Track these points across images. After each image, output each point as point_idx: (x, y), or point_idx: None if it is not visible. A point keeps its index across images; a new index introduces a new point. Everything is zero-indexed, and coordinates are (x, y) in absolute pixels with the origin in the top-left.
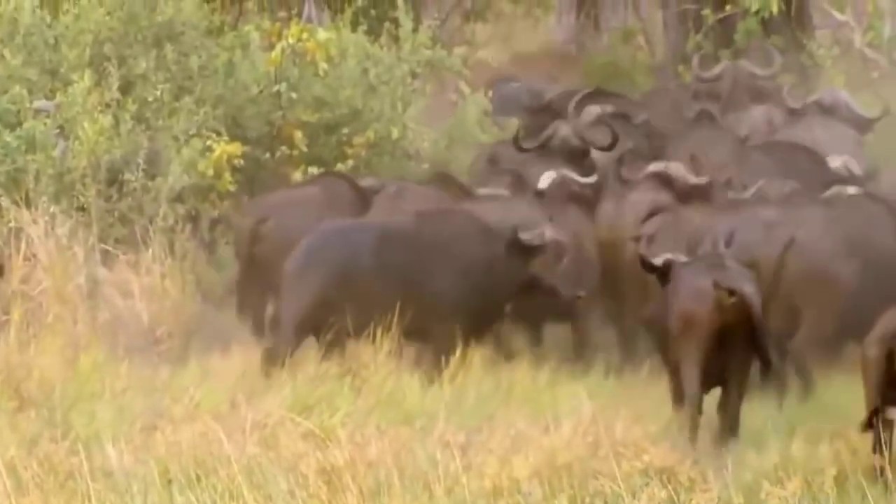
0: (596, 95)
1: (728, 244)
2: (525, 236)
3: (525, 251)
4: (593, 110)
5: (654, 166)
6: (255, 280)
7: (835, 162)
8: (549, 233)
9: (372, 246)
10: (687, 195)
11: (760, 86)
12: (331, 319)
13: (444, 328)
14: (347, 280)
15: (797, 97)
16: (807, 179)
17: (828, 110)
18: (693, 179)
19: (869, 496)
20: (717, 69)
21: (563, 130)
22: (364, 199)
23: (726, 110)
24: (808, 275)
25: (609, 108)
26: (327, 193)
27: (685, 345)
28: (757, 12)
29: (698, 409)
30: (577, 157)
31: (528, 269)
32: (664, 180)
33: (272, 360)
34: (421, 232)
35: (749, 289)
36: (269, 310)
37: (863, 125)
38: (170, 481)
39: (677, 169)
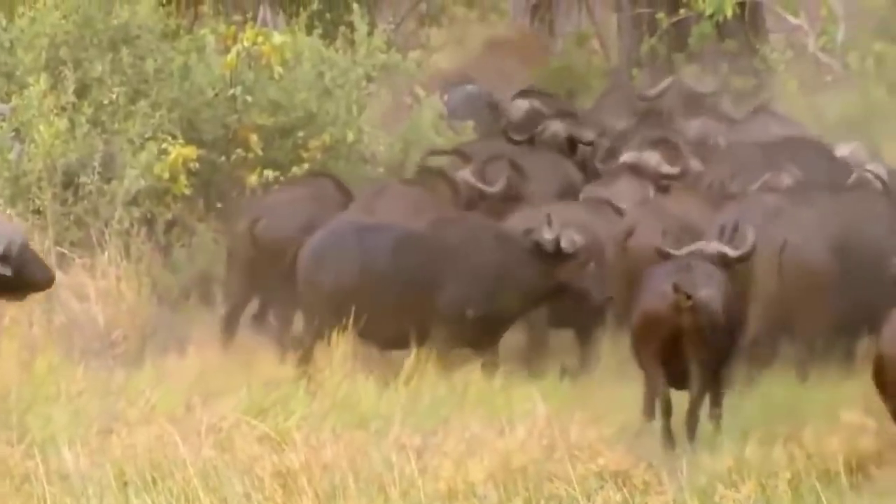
0: (528, 93)
1: (732, 235)
2: (563, 244)
3: (556, 257)
4: (522, 105)
5: (628, 156)
6: (244, 280)
7: (843, 150)
8: (578, 238)
9: (388, 248)
10: (664, 185)
11: (703, 101)
12: (345, 317)
13: (453, 332)
14: (362, 279)
15: (741, 108)
16: (816, 174)
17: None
18: (667, 169)
19: (823, 499)
20: (661, 86)
21: (553, 126)
22: (351, 199)
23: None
24: (799, 271)
25: (536, 104)
26: (317, 193)
27: (645, 345)
28: (711, 16)
29: (665, 411)
30: (566, 150)
31: (556, 274)
32: (639, 171)
33: (296, 346)
34: (436, 237)
35: (707, 293)
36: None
37: None
38: (125, 484)
39: (650, 158)
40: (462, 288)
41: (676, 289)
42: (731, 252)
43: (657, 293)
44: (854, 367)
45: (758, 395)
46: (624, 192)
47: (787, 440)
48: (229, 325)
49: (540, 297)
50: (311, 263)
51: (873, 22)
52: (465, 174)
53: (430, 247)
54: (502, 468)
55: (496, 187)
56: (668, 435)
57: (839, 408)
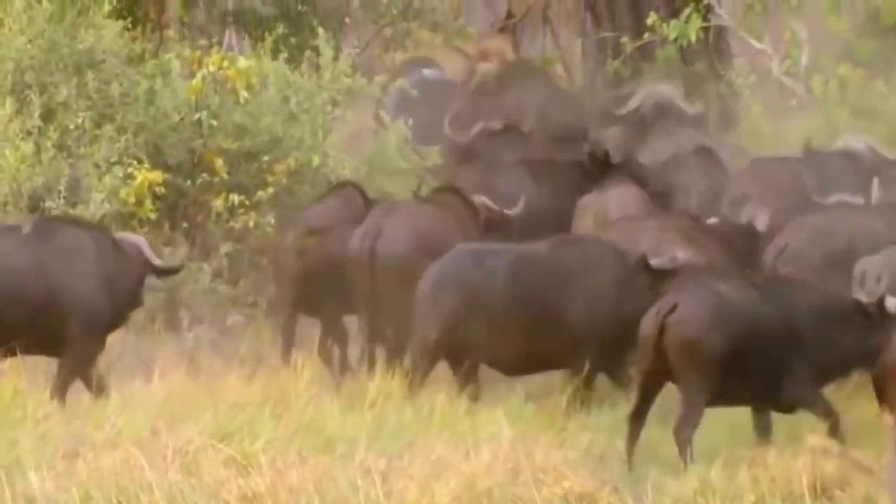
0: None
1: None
2: (654, 262)
3: (657, 276)
4: None
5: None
6: (292, 295)
7: (858, 143)
8: (681, 255)
9: (507, 271)
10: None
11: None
12: (464, 344)
13: (580, 356)
14: (480, 304)
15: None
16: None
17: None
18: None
19: None
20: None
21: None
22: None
23: None
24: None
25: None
26: (348, 205)
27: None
28: (675, 40)
29: (632, 428)
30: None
31: (661, 291)
32: (637, 180)
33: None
34: (556, 258)
35: (682, 314)
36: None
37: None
38: None
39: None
40: (585, 309)
41: (657, 313)
42: (866, 300)
43: (648, 315)
44: None
45: (723, 417)
46: (618, 200)
47: (751, 463)
48: (287, 340)
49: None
50: (430, 290)
51: (837, 46)
52: (484, 199)
53: (550, 268)
54: (467, 491)
55: (515, 210)
56: (630, 449)
57: (804, 431)
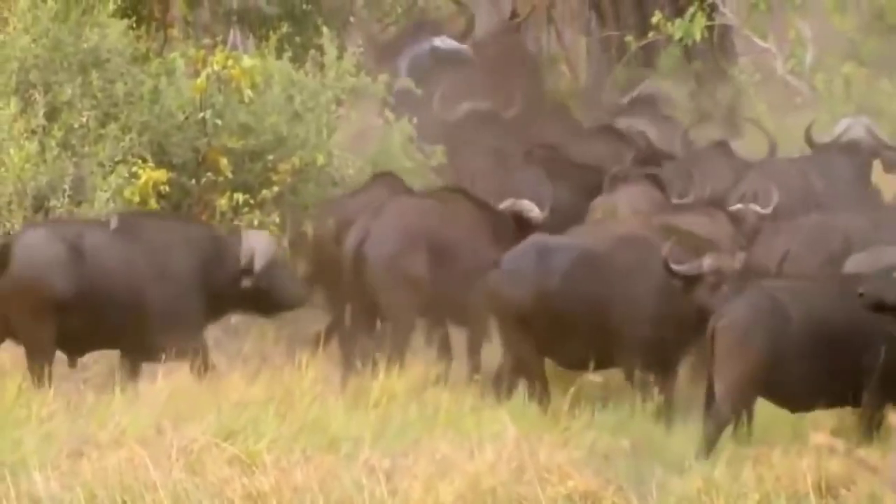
0: None
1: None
2: (679, 268)
3: (687, 281)
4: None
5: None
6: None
7: (858, 129)
8: (708, 261)
9: (564, 267)
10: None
11: None
12: (529, 338)
13: (629, 360)
14: (538, 299)
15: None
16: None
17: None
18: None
19: None
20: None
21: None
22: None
23: None
24: None
25: None
26: (390, 194)
27: None
28: (680, 39)
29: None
30: None
31: (693, 297)
32: (655, 180)
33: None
34: (615, 258)
35: (728, 319)
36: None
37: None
38: None
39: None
40: (631, 309)
41: (714, 315)
42: None
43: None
44: None
45: None
46: (632, 199)
47: (756, 461)
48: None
49: (692, 323)
50: (495, 285)
51: (842, 45)
52: (525, 202)
53: (606, 266)
54: (472, 490)
55: (541, 213)
56: (709, 447)
57: (808, 429)
